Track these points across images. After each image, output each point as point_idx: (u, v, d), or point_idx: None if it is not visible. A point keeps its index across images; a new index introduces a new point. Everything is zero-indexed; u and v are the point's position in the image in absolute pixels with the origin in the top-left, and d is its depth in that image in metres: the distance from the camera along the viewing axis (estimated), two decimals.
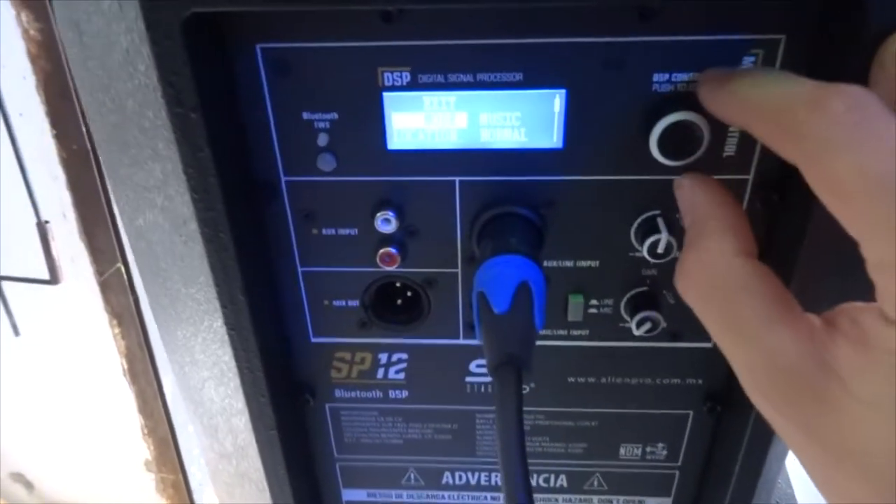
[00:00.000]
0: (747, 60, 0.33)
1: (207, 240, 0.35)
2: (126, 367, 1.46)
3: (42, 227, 1.25)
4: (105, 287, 1.34)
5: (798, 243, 0.35)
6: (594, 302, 0.41)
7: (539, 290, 0.32)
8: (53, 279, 1.28)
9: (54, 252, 1.27)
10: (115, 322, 1.37)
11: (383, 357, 0.44)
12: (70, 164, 1.21)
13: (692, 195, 0.32)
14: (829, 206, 0.22)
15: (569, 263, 0.39)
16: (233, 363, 0.40)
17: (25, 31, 1.09)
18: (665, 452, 0.47)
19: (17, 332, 1.33)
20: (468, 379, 0.45)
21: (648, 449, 0.47)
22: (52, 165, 1.24)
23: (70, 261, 1.34)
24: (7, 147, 1.12)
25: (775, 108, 0.25)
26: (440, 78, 0.34)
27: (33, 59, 1.11)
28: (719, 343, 0.27)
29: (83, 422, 1.55)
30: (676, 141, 0.33)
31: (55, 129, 1.17)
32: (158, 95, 0.32)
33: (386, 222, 0.37)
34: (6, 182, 1.19)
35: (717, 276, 0.28)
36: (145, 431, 1.49)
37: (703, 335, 0.42)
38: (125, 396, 1.48)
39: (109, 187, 0.44)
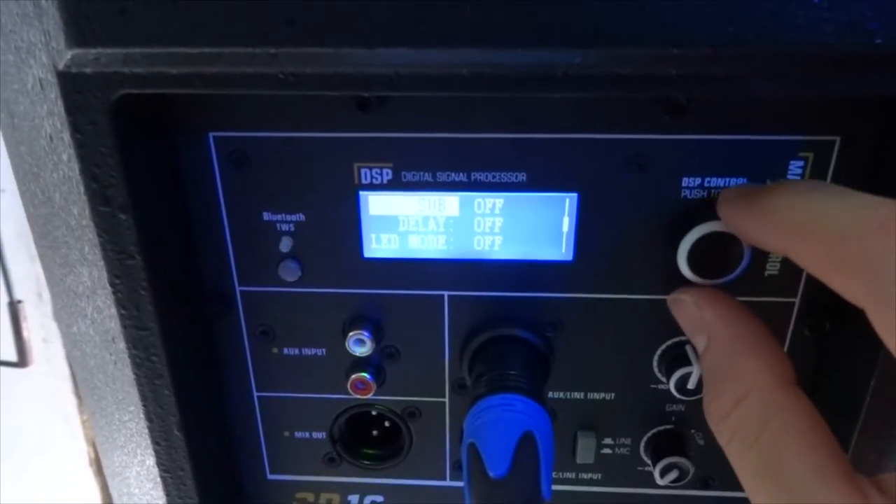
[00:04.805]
0: (795, 166, 0.28)
1: (137, 364, 0.29)
2: (93, 456, 1.37)
3: (14, 307, 1.19)
4: None
5: (861, 385, 0.28)
6: (608, 441, 0.34)
7: (546, 444, 0.26)
8: (22, 362, 1.21)
9: (25, 333, 1.21)
10: (84, 409, 1.29)
11: (354, 499, 0.37)
12: None
13: (699, 313, 0.26)
14: None
15: (578, 395, 0.33)
16: None
17: None
18: None
19: None
20: None
21: None
22: (31, 244, 1.19)
23: (42, 342, 1.28)
24: None
25: (832, 231, 0.20)
26: (427, 176, 0.28)
27: None
28: (752, 495, 0.23)
29: None
30: (710, 256, 0.27)
31: None
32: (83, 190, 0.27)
33: (359, 343, 0.31)
34: None
35: (756, 413, 0.22)
36: None
37: (739, 483, 0.35)
38: (90, 488, 1.38)
39: (45, 285, 0.38)
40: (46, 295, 1.24)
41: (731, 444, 0.23)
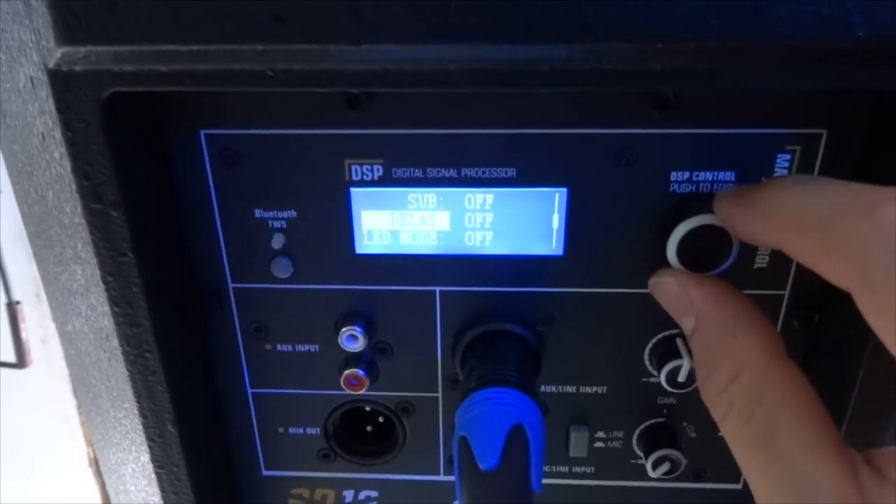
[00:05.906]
0: (782, 158, 0.28)
1: (130, 361, 0.29)
2: (92, 457, 1.38)
3: (12, 308, 1.19)
4: None
5: (850, 375, 0.29)
6: (601, 434, 0.35)
7: (537, 438, 0.26)
8: (21, 363, 1.22)
9: (23, 334, 1.21)
10: (82, 409, 1.30)
11: (349, 495, 0.37)
12: None
13: (685, 294, 0.26)
14: (888, 343, 0.18)
15: (571, 389, 0.33)
16: None
17: None
18: None
19: None
20: None
21: None
22: (29, 245, 1.18)
23: (41, 343, 1.28)
24: None
25: (819, 218, 0.20)
26: (418, 172, 0.29)
27: None
28: (746, 469, 0.23)
29: None
30: (700, 249, 0.27)
31: None
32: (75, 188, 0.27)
33: (352, 339, 0.31)
34: None
35: (751, 388, 0.23)
36: None
37: (731, 474, 0.35)
38: (89, 488, 1.38)
39: (42, 286, 0.38)
40: (45, 296, 1.24)
41: (727, 420, 0.23)
